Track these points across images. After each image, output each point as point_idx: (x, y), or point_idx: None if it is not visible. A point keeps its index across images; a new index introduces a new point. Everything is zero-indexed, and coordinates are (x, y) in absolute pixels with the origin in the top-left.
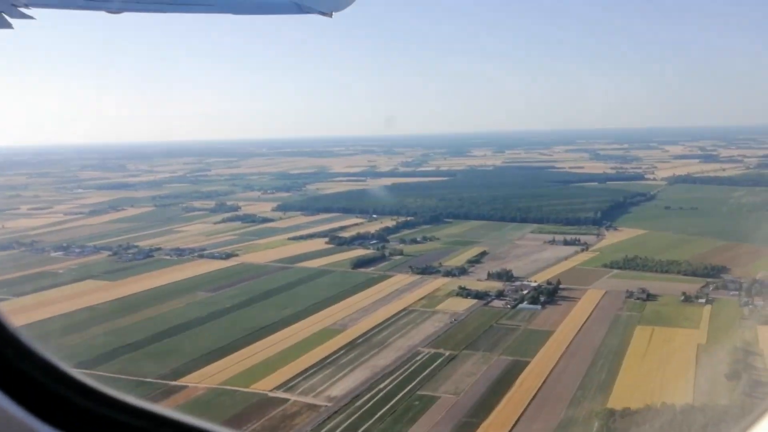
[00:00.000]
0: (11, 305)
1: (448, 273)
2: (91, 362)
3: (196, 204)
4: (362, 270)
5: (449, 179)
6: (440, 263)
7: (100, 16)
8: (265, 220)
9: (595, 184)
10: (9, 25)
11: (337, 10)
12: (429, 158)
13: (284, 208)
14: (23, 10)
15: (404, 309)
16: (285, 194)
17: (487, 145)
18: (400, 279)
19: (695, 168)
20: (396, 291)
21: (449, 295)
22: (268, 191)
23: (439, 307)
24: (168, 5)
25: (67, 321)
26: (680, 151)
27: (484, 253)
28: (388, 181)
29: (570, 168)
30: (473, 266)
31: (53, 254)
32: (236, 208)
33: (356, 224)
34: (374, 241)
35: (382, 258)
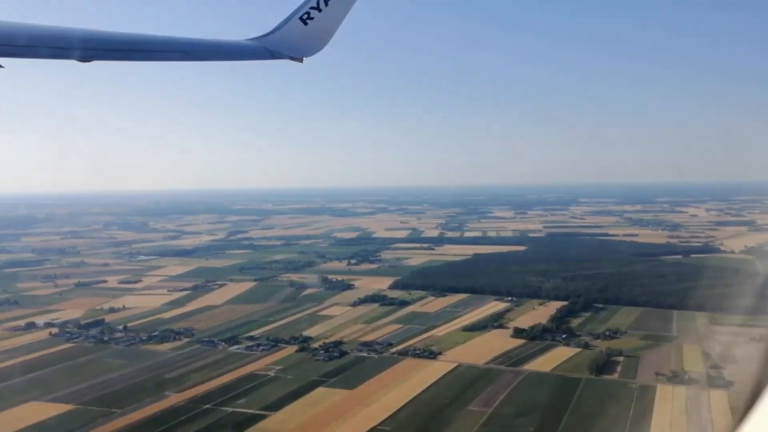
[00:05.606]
0: (297, 423)
1: (714, 385)
2: None
3: (294, 277)
4: (608, 377)
5: (525, 250)
6: (683, 369)
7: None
8: (402, 302)
9: (680, 257)
10: None
11: (308, 55)
12: (457, 219)
13: (403, 286)
14: None
15: None
16: (371, 266)
17: (487, 204)
18: (670, 393)
19: (757, 237)
20: (692, 409)
21: None
22: (352, 262)
23: None
24: (140, 53)
25: None
26: (706, 215)
27: (707, 355)
28: (460, 249)
29: (625, 237)
30: (722, 373)
31: (230, 349)
32: (349, 285)
33: (508, 309)
34: (564, 335)
35: (608, 362)
